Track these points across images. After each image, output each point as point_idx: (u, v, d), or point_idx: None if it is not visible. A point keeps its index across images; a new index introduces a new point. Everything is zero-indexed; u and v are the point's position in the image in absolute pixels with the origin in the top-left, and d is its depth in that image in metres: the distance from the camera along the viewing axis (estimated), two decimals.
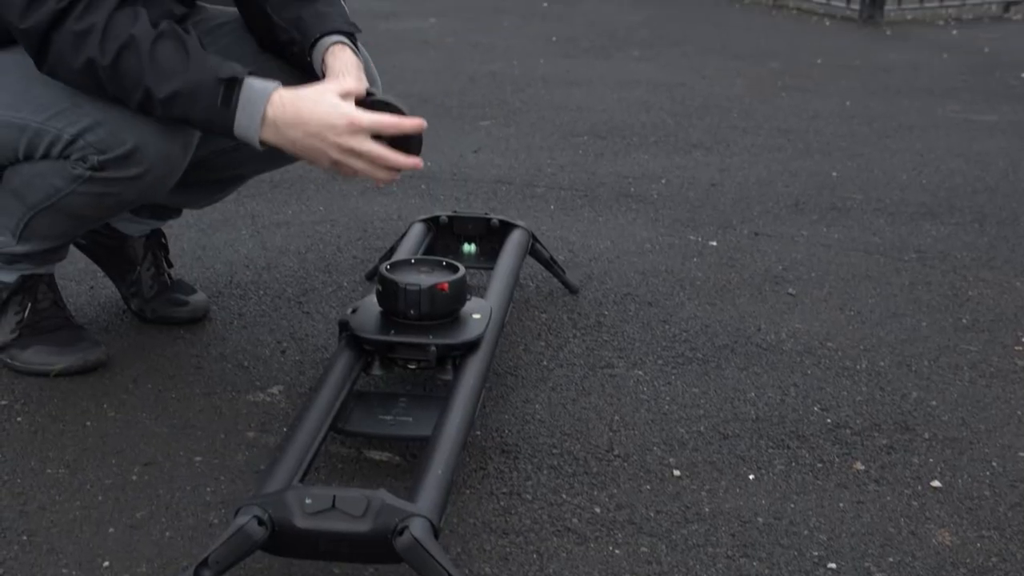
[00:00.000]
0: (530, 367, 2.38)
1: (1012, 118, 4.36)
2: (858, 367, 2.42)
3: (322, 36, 2.18)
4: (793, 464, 2.07)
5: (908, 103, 4.55)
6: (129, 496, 1.92)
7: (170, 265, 2.56)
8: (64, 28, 1.95)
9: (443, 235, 2.67)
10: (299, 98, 1.98)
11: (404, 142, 2.00)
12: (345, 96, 2.00)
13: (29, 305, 2.30)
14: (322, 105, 1.98)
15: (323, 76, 2.15)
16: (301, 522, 1.60)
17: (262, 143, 1.99)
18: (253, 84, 1.98)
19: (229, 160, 2.34)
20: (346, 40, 2.19)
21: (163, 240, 2.55)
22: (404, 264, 2.17)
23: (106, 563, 1.76)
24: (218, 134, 2.04)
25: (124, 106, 2.02)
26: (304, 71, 2.21)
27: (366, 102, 2.01)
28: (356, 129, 1.97)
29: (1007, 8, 6.60)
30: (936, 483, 2.02)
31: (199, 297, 2.55)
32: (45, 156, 2.09)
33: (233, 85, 1.96)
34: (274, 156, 2.29)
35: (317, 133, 1.97)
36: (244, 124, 1.98)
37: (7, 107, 2.08)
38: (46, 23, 1.94)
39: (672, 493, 1.97)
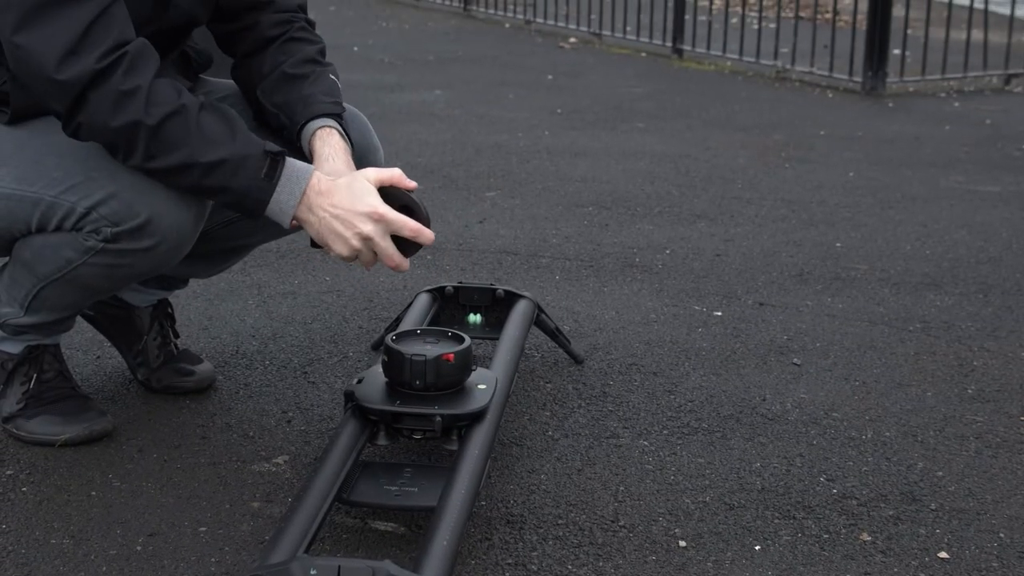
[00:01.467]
0: (535, 437, 2.38)
1: (1015, 189, 4.38)
2: (864, 437, 2.42)
3: (308, 121, 2.21)
4: (799, 535, 2.06)
5: (911, 174, 4.57)
6: (134, 567, 1.92)
7: (176, 335, 2.57)
8: (105, 87, 1.94)
9: (449, 305, 2.68)
10: (334, 181, 2.03)
11: (405, 242, 2.06)
12: (378, 182, 2.04)
13: (35, 376, 2.30)
14: (353, 190, 2.02)
15: (311, 160, 2.17)
16: None
17: (292, 220, 2.03)
18: (295, 162, 2.03)
19: (235, 231, 2.36)
20: (332, 123, 2.20)
21: (169, 310, 2.56)
22: (410, 334, 2.18)
23: None
24: (243, 209, 2.05)
25: (139, 177, 2.03)
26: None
27: (392, 193, 2.05)
28: (379, 221, 2.02)
29: (1008, 81, 6.65)
30: (943, 554, 2.01)
31: (205, 367, 2.55)
32: (58, 228, 2.10)
33: (279, 160, 2.00)
34: (280, 227, 2.31)
35: (347, 217, 2.01)
36: (282, 200, 2.01)
37: (20, 181, 2.09)
38: (85, 81, 1.93)
39: (678, 564, 1.96)
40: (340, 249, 2.04)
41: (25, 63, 1.96)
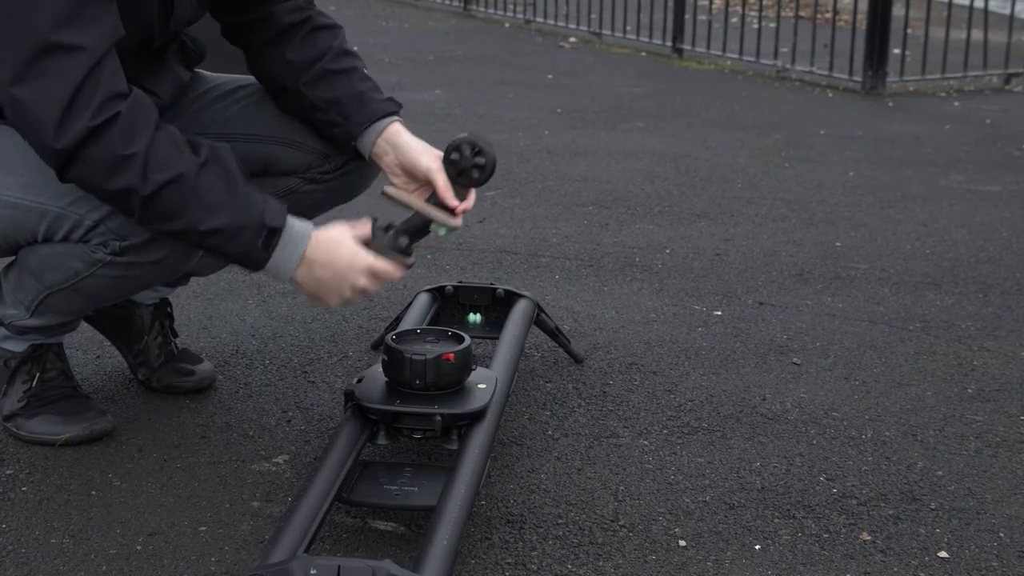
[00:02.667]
0: (535, 437, 2.38)
1: (1015, 188, 4.38)
2: (864, 437, 2.42)
3: (371, 123, 2.25)
4: (799, 534, 2.06)
5: (911, 174, 4.57)
6: (133, 566, 1.92)
7: (175, 335, 2.57)
8: (100, 147, 1.91)
9: (449, 305, 2.68)
10: (330, 241, 2.06)
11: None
12: (360, 239, 2.10)
13: (37, 375, 2.30)
14: (347, 249, 2.07)
15: (370, 157, 2.26)
16: None
17: (291, 279, 2.06)
18: (293, 226, 2.03)
19: None
20: (398, 119, 2.26)
21: (169, 310, 2.56)
22: (410, 334, 2.18)
23: None
24: (240, 266, 2.08)
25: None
26: (339, 146, 2.29)
27: (372, 245, 2.12)
28: (373, 275, 2.09)
29: (1008, 80, 6.65)
30: (943, 554, 2.01)
31: (205, 367, 2.55)
32: (64, 239, 2.09)
33: (276, 231, 2.01)
34: None
35: (344, 275, 2.06)
36: (279, 264, 2.03)
37: (26, 189, 2.08)
38: (80, 140, 1.91)
39: (678, 564, 1.96)
40: (333, 302, 2.10)
41: (23, 121, 1.94)
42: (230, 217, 1.98)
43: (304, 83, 2.27)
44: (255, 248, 2.00)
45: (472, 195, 2.22)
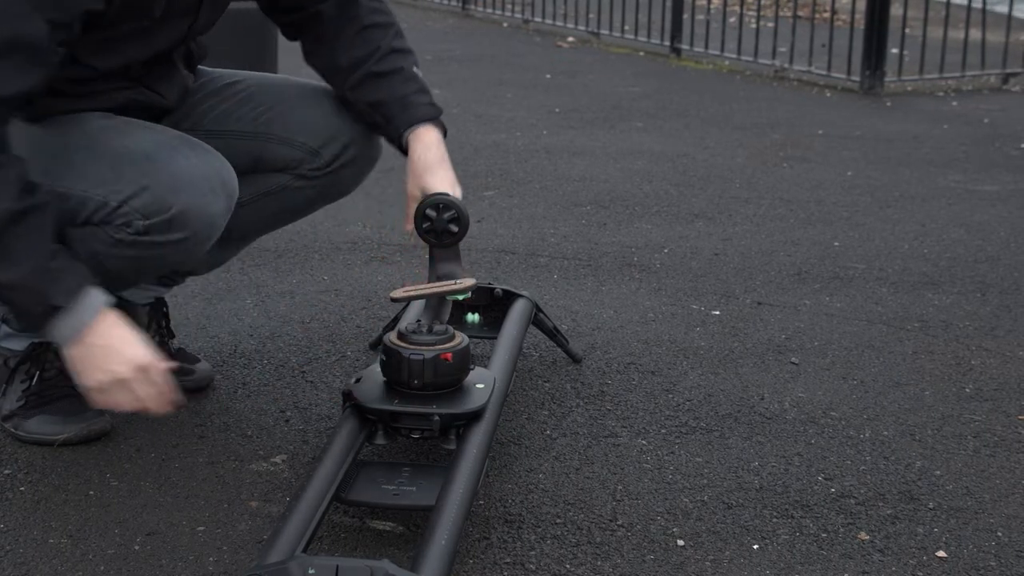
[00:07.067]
0: (533, 436, 2.38)
1: (1013, 188, 4.39)
2: (862, 436, 2.42)
3: (409, 128, 2.31)
4: (798, 534, 2.06)
5: (909, 173, 4.57)
6: (131, 566, 1.92)
7: (172, 335, 2.56)
8: None
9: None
10: (111, 324, 1.97)
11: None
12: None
13: (36, 374, 2.30)
14: (125, 335, 1.97)
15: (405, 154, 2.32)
16: None
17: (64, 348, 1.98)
18: (82, 303, 1.95)
19: (234, 222, 2.36)
20: (433, 125, 2.33)
21: (165, 310, 2.56)
22: (408, 334, 2.18)
23: None
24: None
25: (169, 171, 2.06)
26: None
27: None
28: (140, 369, 1.96)
29: (1006, 80, 6.65)
30: (941, 553, 2.01)
31: (203, 367, 2.55)
32: (85, 223, 2.10)
33: (58, 311, 1.93)
34: (278, 217, 2.36)
35: (111, 357, 1.95)
36: (56, 335, 1.96)
37: (47, 175, 2.06)
38: None
39: (676, 563, 1.96)
40: (93, 382, 1.97)
41: None
42: (21, 276, 1.92)
43: (349, 87, 2.33)
44: (36, 314, 1.94)
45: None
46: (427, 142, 2.32)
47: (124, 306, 2.50)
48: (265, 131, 2.33)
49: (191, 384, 2.52)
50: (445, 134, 2.37)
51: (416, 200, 2.32)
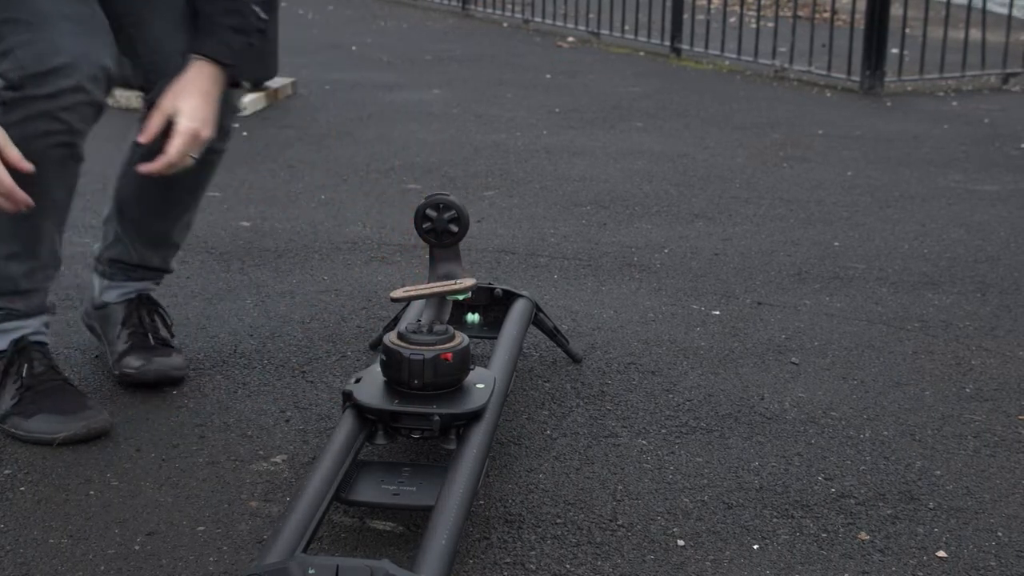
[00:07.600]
0: (534, 436, 2.38)
1: (1013, 188, 4.39)
2: (862, 436, 2.42)
3: (196, 53, 2.27)
4: (798, 534, 2.06)
5: (909, 173, 4.57)
6: (132, 566, 1.92)
7: (157, 330, 2.53)
8: None
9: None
10: None
11: None
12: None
13: (26, 366, 2.30)
14: None
15: None
16: None
17: None
18: None
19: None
20: (212, 64, 2.26)
21: (151, 304, 2.55)
22: (408, 334, 2.18)
23: None
24: None
25: (51, 25, 2.07)
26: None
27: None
28: None
29: (1006, 80, 6.65)
30: (942, 553, 2.01)
31: (172, 360, 2.51)
32: None
33: None
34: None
35: None
36: None
37: None
38: None
39: (676, 563, 1.96)
40: None
41: None
42: None
43: None
44: None
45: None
46: (200, 71, 2.26)
47: (102, 306, 2.54)
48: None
49: (152, 376, 2.47)
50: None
51: (162, 114, 2.24)
